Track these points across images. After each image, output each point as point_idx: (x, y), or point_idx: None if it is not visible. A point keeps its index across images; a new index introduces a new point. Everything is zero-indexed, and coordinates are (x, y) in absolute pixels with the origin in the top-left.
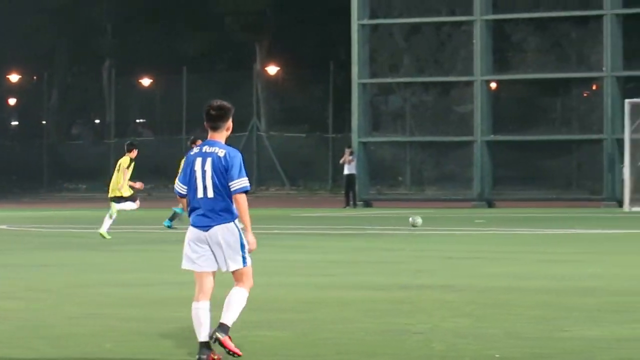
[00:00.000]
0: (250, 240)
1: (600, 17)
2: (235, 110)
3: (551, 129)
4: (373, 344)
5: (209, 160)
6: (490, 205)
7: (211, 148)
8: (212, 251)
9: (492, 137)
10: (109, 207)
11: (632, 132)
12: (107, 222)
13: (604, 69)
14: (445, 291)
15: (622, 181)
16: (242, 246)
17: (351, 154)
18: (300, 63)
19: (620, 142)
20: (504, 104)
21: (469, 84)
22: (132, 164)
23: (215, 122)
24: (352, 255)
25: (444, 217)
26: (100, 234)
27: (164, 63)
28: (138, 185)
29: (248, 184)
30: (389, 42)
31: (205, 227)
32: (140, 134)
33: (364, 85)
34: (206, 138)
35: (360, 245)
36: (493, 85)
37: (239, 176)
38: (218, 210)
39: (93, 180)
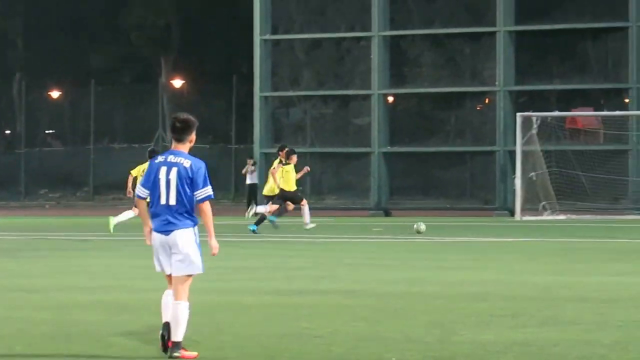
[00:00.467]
0: (213, 244)
1: (493, 33)
2: (140, 122)
3: (446, 141)
4: (274, 346)
5: (174, 170)
6: (387, 214)
7: (176, 158)
8: (171, 254)
9: (388, 149)
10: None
11: (524, 144)
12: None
13: (496, 83)
14: (345, 296)
15: (513, 191)
16: (200, 253)
17: (253, 164)
18: (204, 77)
19: (512, 154)
20: (400, 116)
21: (367, 97)
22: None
23: (180, 134)
24: (253, 262)
25: (342, 225)
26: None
27: (73, 76)
28: None
29: (211, 192)
30: (290, 56)
31: (167, 232)
32: (49, 145)
33: (265, 98)
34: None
35: (260, 252)
36: (390, 98)
37: (204, 186)
38: (179, 217)
39: (3, 189)
